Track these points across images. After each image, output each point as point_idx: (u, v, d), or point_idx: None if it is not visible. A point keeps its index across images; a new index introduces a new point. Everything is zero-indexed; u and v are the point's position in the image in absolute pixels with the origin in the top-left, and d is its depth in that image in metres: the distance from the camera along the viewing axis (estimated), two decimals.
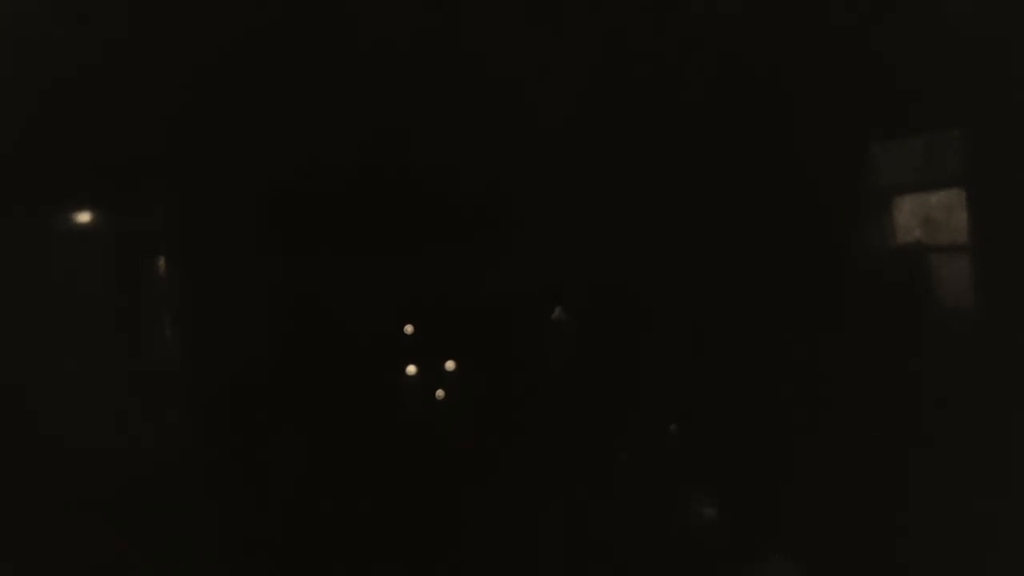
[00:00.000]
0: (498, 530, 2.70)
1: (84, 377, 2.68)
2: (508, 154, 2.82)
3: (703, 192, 2.85)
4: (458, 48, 2.80)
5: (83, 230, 2.78)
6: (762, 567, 2.69)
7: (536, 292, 2.89)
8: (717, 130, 2.85)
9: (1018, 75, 2.68)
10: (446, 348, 2.90)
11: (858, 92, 2.82)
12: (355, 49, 2.78)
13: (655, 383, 2.84)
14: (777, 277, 2.82)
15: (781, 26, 2.81)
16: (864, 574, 2.61)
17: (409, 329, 2.90)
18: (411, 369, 2.88)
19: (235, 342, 2.76)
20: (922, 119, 2.86)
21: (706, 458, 2.82)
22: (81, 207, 2.76)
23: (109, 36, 2.66)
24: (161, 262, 2.83)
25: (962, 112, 2.78)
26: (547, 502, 2.74)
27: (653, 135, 2.85)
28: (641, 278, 2.86)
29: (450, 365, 2.90)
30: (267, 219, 2.79)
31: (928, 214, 2.88)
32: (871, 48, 2.76)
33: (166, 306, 2.83)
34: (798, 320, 2.78)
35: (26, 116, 2.65)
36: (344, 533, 2.68)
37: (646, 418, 2.86)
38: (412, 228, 2.86)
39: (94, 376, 2.70)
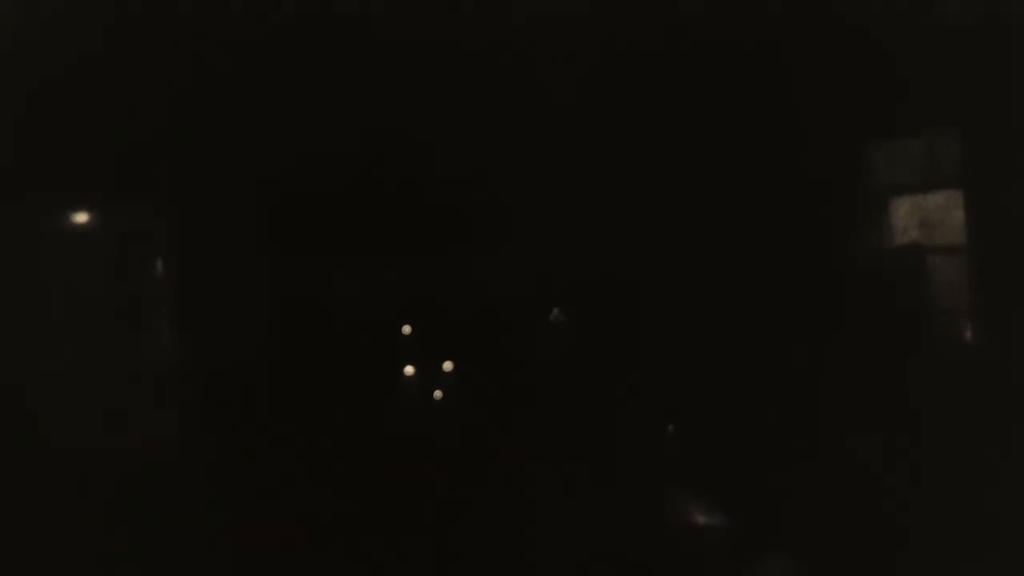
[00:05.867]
0: (496, 529, 2.69)
1: (83, 376, 2.68)
2: (507, 156, 2.83)
3: (701, 193, 2.86)
4: (458, 50, 2.82)
5: (83, 230, 2.79)
6: (762, 567, 2.68)
7: (534, 293, 2.90)
8: (715, 131, 2.86)
9: (1015, 77, 2.69)
10: (444, 349, 2.90)
11: (856, 93, 2.83)
12: (355, 51, 2.80)
13: (653, 384, 2.83)
14: (775, 277, 2.82)
15: (779, 28, 2.83)
16: (864, 573, 2.61)
17: (407, 330, 2.91)
18: (409, 369, 2.88)
19: (234, 342, 2.77)
20: (920, 121, 2.87)
21: (705, 458, 2.82)
22: (81, 207, 2.77)
23: (110, 36, 2.67)
24: (161, 262, 2.84)
25: (959, 114, 2.79)
26: (545, 501, 2.73)
27: (652, 137, 2.86)
28: (639, 279, 2.87)
29: (448, 366, 2.90)
30: (266, 220, 2.80)
31: (925, 215, 2.88)
32: (870, 49, 2.78)
33: (166, 305, 2.84)
34: (796, 319, 2.78)
35: (27, 117, 2.66)
36: (342, 531, 2.67)
37: (644, 419, 2.85)
38: (410, 229, 2.87)
39: (93, 375, 2.70)
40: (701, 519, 2.76)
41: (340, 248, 2.83)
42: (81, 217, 2.79)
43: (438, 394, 2.89)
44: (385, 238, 2.85)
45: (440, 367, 2.89)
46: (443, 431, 2.89)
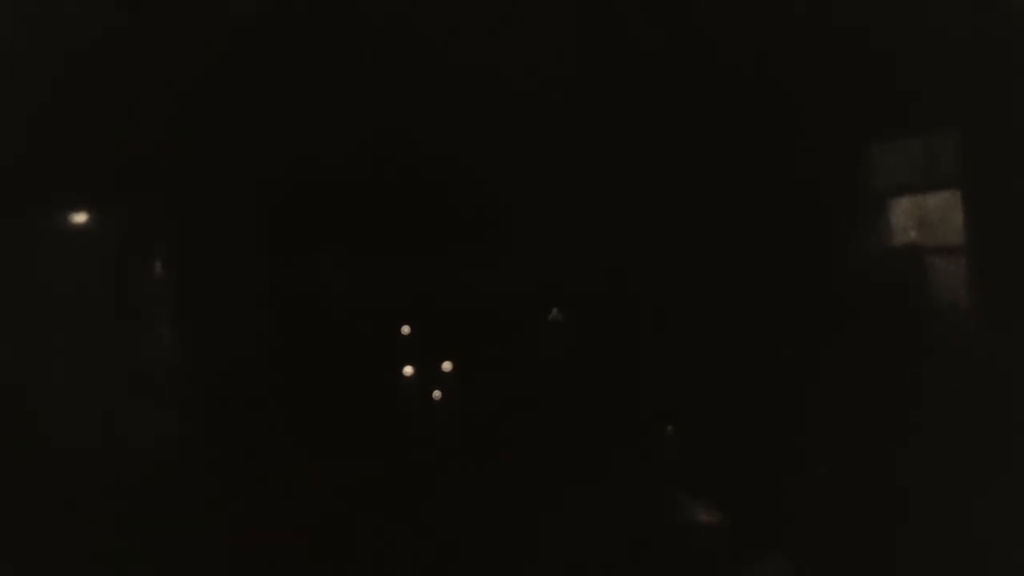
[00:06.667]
0: (495, 530, 2.69)
1: (83, 376, 2.69)
2: (506, 157, 2.84)
3: (700, 194, 2.86)
4: (458, 51, 2.82)
5: (83, 230, 2.80)
6: (761, 567, 2.68)
7: (533, 294, 2.90)
8: (714, 132, 2.86)
9: (1013, 78, 2.69)
10: (443, 349, 2.91)
11: (855, 94, 2.83)
12: (355, 51, 2.80)
13: (652, 385, 2.84)
14: (774, 278, 2.82)
15: (779, 29, 2.83)
16: (860, 573, 2.61)
17: (406, 330, 2.91)
18: (408, 370, 2.89)
19: (233, 342, 2.77)
20: (918, 122, 2.87)
21: (703, 459, 2.82)
22: (81, 207, 2.78)
23: (110, 36, 2.68)
24: (160, 262, 2.84)
25: (958, 115, 2.79)
26: (545, 502, 2.73)
27: (651, 138, 2.86)
28: (638, 280, 2.87)
29: (447, 366, 2.90)
30: (266, 219, 2.81)
31: (924, 215, 2.88)
32: (869, 50, 2.78)
33: (165, 305, 2.84)
34: (795, 320, 2.78)
35: (26, 117, 2.67)
36: (341, 531, 2.68)
37: (643, 420, 2.86)
38: (410, 229, 2.87)
39: (93, 375, 2.71)
40: (700, 519, 2.76)
41: (340, 248, 2.84)
42: (81, 217, 2.80)
43: (437, 394, 2.89)
44: (385, 238, 2.86)
45: (439, 367, 2.90)
46: (442, 431, 2.89)
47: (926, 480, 2.59)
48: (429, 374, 2.89)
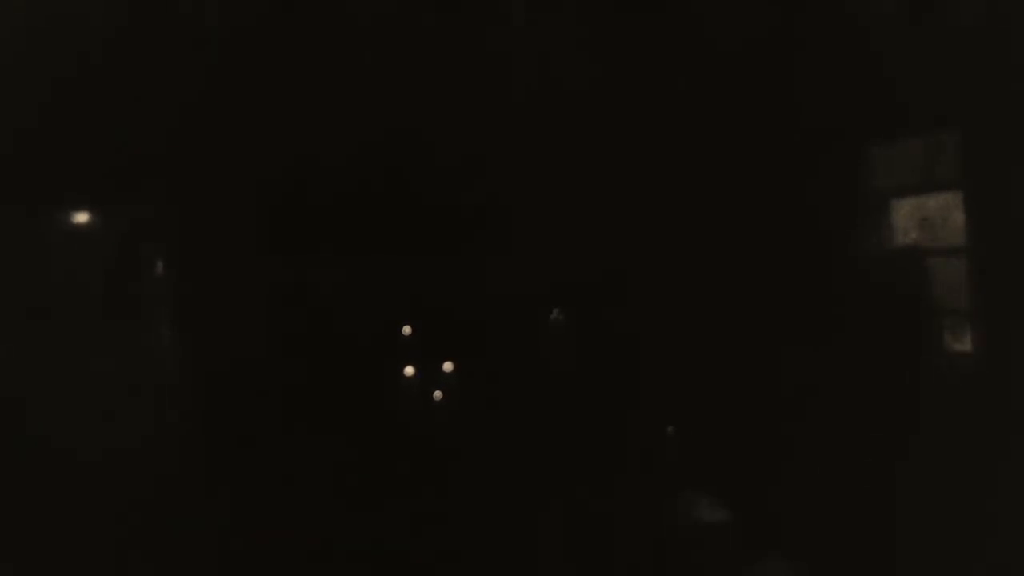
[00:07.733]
0: (496, 530, 2.70)
1: (83, 377, 2.69)
2: (508, 158, 2.84)
3: (701, 196, 2.86)
4: (459, 53, 2.82)
5: (83, 230, 2.79)
6: (761, 568, 2.68)
7: (535, 294, 2.90)
8: (717, 134, 2.86)
9: (1013, 78, 2.69)
10: (444, 349, 2.91)
11: (856, 94, 2.83)
12: (356, 52, 2.80)
13: (653, 385, 2.84)
14: (776, 280, 2.82)
15: (779, 29, 2.83)
16: (860, 573, 2.61)
17: (407, 330, 2.91)
18: (409, 370, 2.89)
19: (234, 342, 2.77)
20: (919, 123, 2.86)
21: (704, 460, 2.82)
22: (81, 207, 2.78)
23: (110, 37, 2.67)
24: (160, 262, 2.84)
25: (959, 116, 2.79)
26: (546, 502, 2.74)
27: (653, 139, 2.86)
28: (639, 281, 2.87)
29: (448, 366, 2.90)
30: (266, 220, 2.80)
31: (925, 216, 2.88)
32: (869, 50, 2.78)
33: (165, 305, 2.84)
34: (796, 321, 2.79)
35: (27, 117, 2.66)
36: (341, 531, 2.68)
37: (644, 420, 2.86)
38: (411, 230, 2.87)
39: (93, 376, 2.70)
40: (701, 519, 2.76)
41: (341, 249, 2.84)
42: (81, 217, 2.80)
43: (438, 395, 2.89)
44: (386, 239, 2.86)
45: (440, 368, 2.90)
46: (443, 431, 2.89)
47: (926, 480, 2.59)
48: (430, 374, 2.89)
